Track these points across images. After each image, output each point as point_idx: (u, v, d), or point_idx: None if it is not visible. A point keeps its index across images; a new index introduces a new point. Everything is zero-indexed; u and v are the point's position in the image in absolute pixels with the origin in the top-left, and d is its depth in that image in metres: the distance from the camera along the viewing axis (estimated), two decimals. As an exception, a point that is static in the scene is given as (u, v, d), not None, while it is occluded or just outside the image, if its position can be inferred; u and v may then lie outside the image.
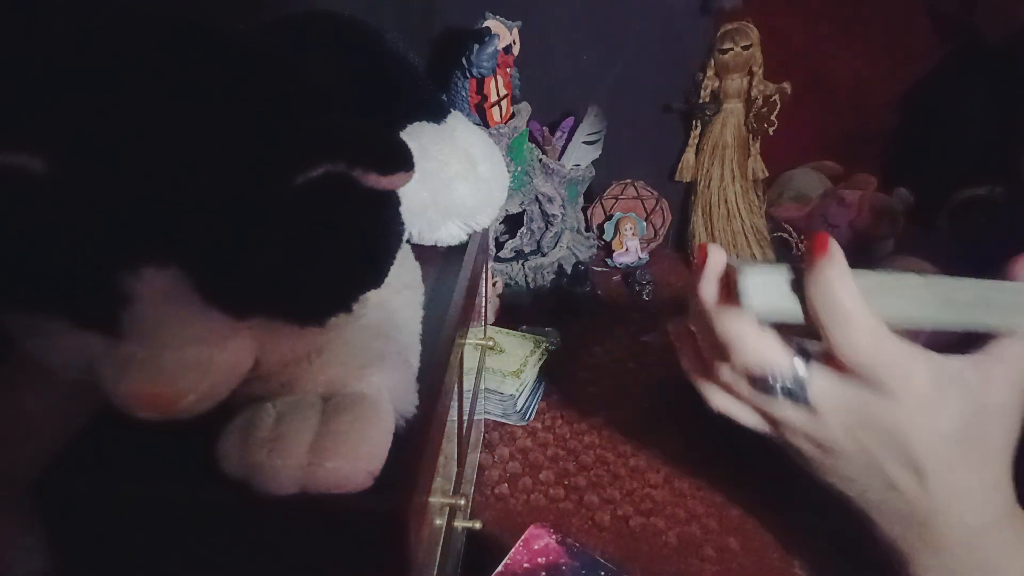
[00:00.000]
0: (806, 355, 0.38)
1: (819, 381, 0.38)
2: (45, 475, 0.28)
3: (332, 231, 0.27)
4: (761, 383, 0.39)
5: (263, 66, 0.28)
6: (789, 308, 0.38)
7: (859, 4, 0.95)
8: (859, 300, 0.36)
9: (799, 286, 0.37)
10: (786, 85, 0.88)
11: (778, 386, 0.38)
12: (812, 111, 0.95)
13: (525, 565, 0.43)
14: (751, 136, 0.92)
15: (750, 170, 0.94)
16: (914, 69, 0.97)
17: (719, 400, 0.43)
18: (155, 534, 0.29)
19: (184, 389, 0.26)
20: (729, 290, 0.39)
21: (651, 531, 0.53)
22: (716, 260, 0.40)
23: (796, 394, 0.38)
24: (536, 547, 0.44)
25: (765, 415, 0.41)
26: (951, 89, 0.96)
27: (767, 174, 0.95)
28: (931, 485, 0.38)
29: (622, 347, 0.77)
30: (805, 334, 0.38)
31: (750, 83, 0.90)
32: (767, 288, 0.38)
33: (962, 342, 0.39)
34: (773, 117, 0.89)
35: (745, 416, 0.42)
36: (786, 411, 0.39)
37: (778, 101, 0.88)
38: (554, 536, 0.45)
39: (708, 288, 0.40)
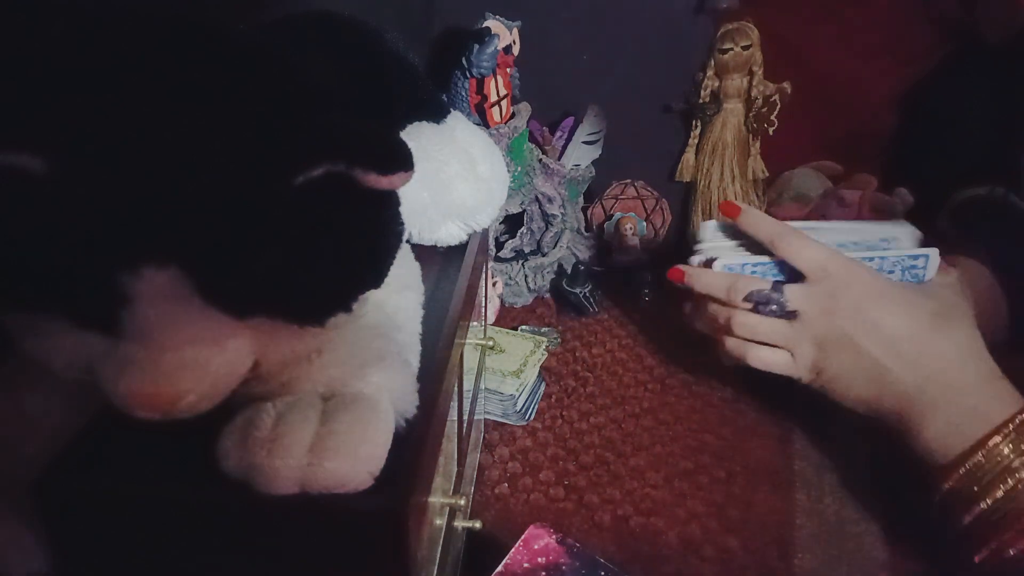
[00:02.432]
0: (778, 285, 0.54)
1: (791, 292, 0.53)
2: (45, 475, 0.28)
3: (332, 231, 0.27)
4: (756, 303, 0.54)
5: (263, 66, 0.28)
6: (748, 256, 0.57)
7: (859, 4, 0.94)
8: (786, 223, 0.55)
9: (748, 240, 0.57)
10: (786, 85, 0.88)
11: (767, 304, 0.54)
12: (812, 111, 0.94)
13: (525, 565, 0.43)
14: (751, 136, 0.92)
15: (750, 170, 0.94)
16: (914, 69, 0.97)
17: (751, 352, 0.56)
18: (155, 534, 0.29)
19: (184, 389, 0.26)
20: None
21: (651, 531, 0.53)
22: (694, 267, 0.59)
23: (781, 304, 0.53)
24: (536, 547, 0.44)
25: (779, 344, 0.55)
26: (951, 89, 0.96)
27: (767, 174, 0.94)
28: (906, 350, 0.50)
29: (622, 347, 0.77)
30: None
31: (750, 83, 0.90)
32: (719, 247, 0.59)
33: None
34: (773, 117, 0.89)
35: (772, 358, 0.56)
36: (780, 327, 0.54)
37: (778, 101, 0.88)
38: (554, 536, 0.45)
39: (699, 280, 0.58)
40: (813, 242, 0.52)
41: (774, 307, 0.53)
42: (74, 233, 0.24)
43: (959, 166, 0.95)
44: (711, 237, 0.61)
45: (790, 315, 0.53)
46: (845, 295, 0.51)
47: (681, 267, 0.59)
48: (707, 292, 0.57)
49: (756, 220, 0.55)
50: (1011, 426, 0.45)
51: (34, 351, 0.28)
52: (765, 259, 0.56)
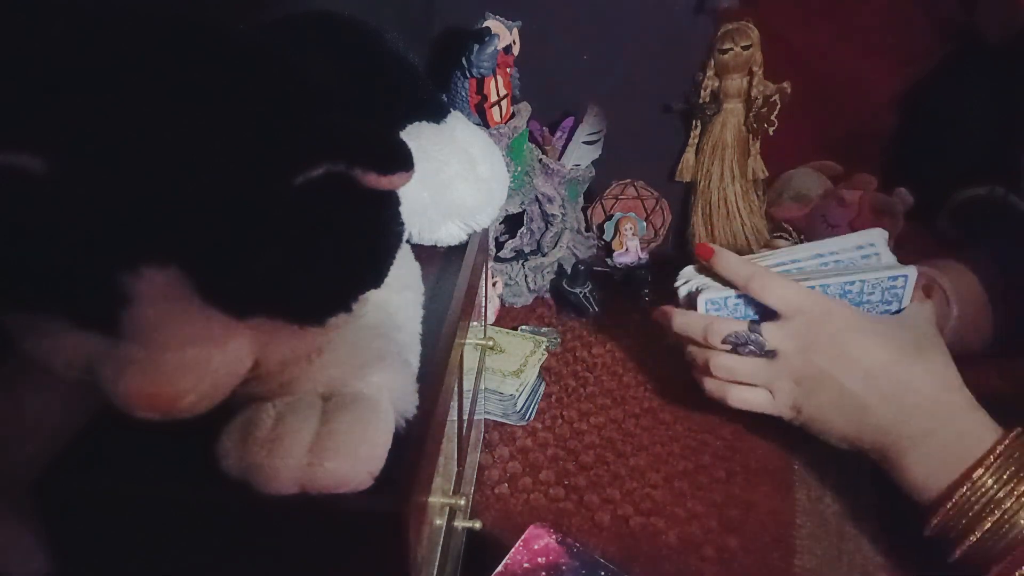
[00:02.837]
0: (754, 325, 0.55)
1: (768, 331, 0.54)
2: (45, 475, 0.28)
3: (332, 231, 0.27)
4: (734, 344, 0.55)
5: (263, 66, 0.28)
6: (724, 292, 0.57)
7: (859, 4, 0.95)
8: (758, 265, 0.56)
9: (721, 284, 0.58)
10: (786, 85, 0.88)
11: (744, 345, 0.54)
12: (812, 111, 0.94)
13: (525, 565, 0.43)
14: (751, 136, 0.92)
15: (750, 170, 0.94)
16: (914, 69, 0.97)
17: (732, 394, 0.57)
18: (155, 534, 0.29)
19: (184, 389, 0.26)
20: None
21: (651, 531, 0.53)
22: (670, 308, 0.61)
23: (759, 344, 0.54)
24: (536, 547, 0.44)
25: (755, 384, 0.56)
26: (951, 89, 0.96)
27: (767, 174, 0.94)
28: (883, 385, 0.50)
29: (622, 347, 0.77)
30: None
31: (750, 83, 0.90)
32: (704, 289, 0.59)
33: None
34: (773, 117, 0.89)
35: (753, 398, 0.56)
36: (759, 367, 0.55)
37: (778, 101, 0.88)
38: (554, 536, 0.45)
39: (676, 321, 0.59)
40: (786, 281, 0.53)
41: (752, 347, 0.54)
42: (74, 233, 0.24)
43: (959, 166, 0.95)
44: (695, 271, 0.61)
45: (769, 354, 0.54)
46: (821, 331, 0.52)
47: (660, 308, 0.61)
48: (685, 333, 0.58)
49: (728, 263, 0.56)
50: (992, 457, 0.45)
51: (34, 351, 0.28)
52: None
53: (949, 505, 0.45)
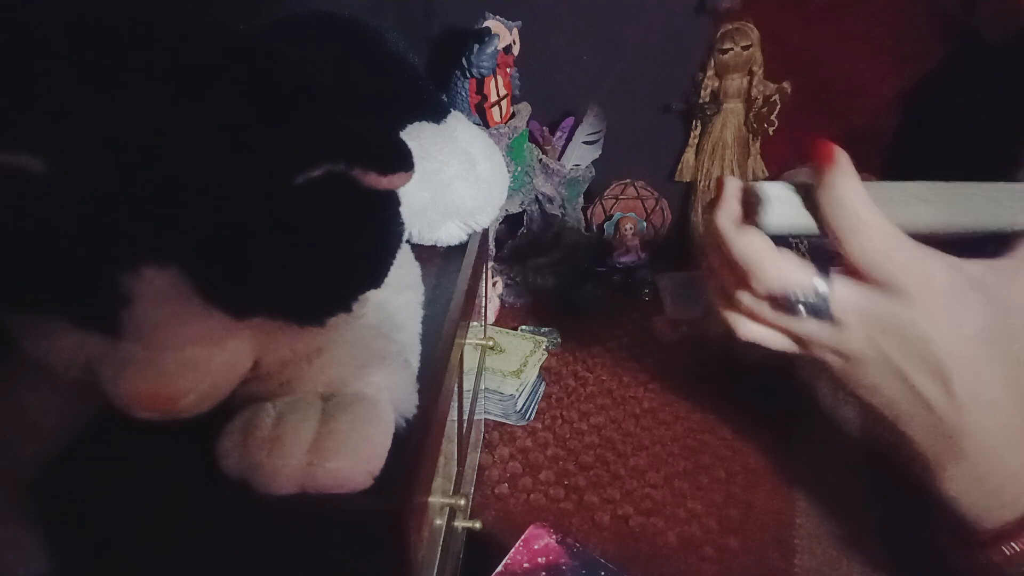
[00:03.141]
0: (825, 270, 0.38)
1: (840, 292, 0.38)
2: (45, 475, 0.28)
3: (332, 231, 0.27)
4: (784, 303, 0.39)
5: (263, 66, 0.28)
6: (804, 222, 0.39)
7: (859, 4, 0.95)
8: (871, 206, 0.37)
9: (812, 200, 0.39)
10: (786, 85, 0.88)
11: (801, 304, 0.38)
12: (812, 111, 0.94)
13: (525, 565, 0.43)
14: (751, 136, 0.92)
15: (750, 170, 0.94)
16: (914, 69, 0.97)
17: (744, 328, 0.42)
18: (155, 534, 0.29)
19: (184, 389, 0.26)
20: (747, 213, 0.40)
21: (651, 531, 0.53)
22: (733, 187, 0.41)
23: (819, 309, 0.38)
24: (536, 547, 0.44)
25: (790, 334, 0.41)
26: (951, 89, 0.96)
27: (767, 174, 0.94)
28: (956, 390, 0.38)
29: (622, 347, 0.77)
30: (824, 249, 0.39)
31: (750, 83, 0.90)
32: (783, 203, 0.39)
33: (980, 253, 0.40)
34: (773, 117, 0.89)
35: (771, 339, 0.42)
36: (810, 328, 0.39)
37: (778, 101, 0.88)
38: (554, 536, 0.45)
39: (726, 213, 0.40)
40: (881, 227, 0.37)
41: (805, 312, 0.39)
42: (74, 233, 0.24)
43: (959, 166, 0.95)
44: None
45: (827, 318, 0.39)
46: (906, 316, 0.38)
47: (719, 219, 0.41)
48: (736, 258, 0.40)
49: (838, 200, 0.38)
50: None
51: (34, 351, 0.28)
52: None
53: (1012, 552, 0.38)
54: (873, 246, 0.37)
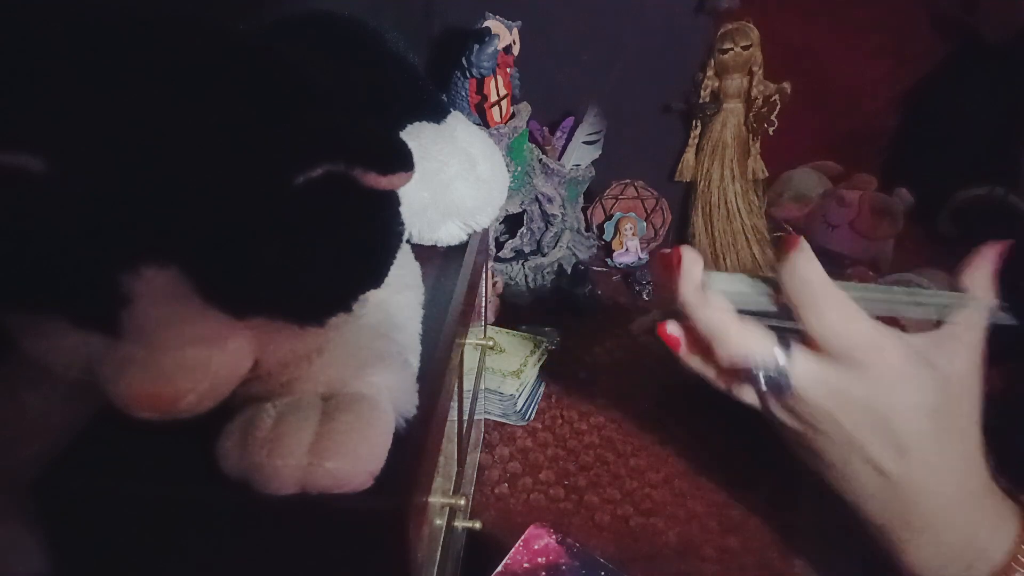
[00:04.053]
0: (786, 343, 0.40)
1: (800, 365, 0.39)
2: (45, 475, 0.28)
3: (332, 231, 0.27)
4: (745, 373, 0.40)
5: (263, 66, 0.28)
6: (759, 298, 0.41)
7: (859, 4, 0.95)
8: (829, 282, 0.38)
9: (768, 282, 0.41)
10: (786, 85, 0.88)
11: (761, 376, 0.40)
12: (812, 111, 0.95)
13: (525, 565, 0.43)
14: (751, 136, 0.92)
15: (750, 170, 0.94)
16: (914, 69, 0.97)
17: (718, 381, 0.44)
18: (155, 534, 0.29)
19: (184, 389, 0.26)
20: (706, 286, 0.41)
21: (651, 531, 0.53)
22: (691, 259, 0.42)
23: (779, 382, 0.39)
24: (536, 547, 0.44)
25: (758, 394, 0.42)
26: (951, 89, 0.96)
27: (767, 174, 0.94)
28: (913, 461, 0.39)
29: (622, 347, 0.77)
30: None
31: (750, 83, 0.90)
32: (735, 280, 0.42)
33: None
34: (773, 117, 0.89)
35: (742, 394, 0.43)
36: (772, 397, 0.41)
37: (778, 101, 0.88)
38: (554, 536, 0.45)
39: (689, 282, 0.41)
40: (838, 302, 0.38)
41: (770, 383, 0.40)
42: (74, 233, 0.24)
43: (959, 166, 0.95)
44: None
45: (786, 390, 0.40)
46: (864, 389, 0.39)
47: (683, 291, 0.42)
48: (700, 329, 0.41)
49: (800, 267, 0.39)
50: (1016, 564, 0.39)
51: (34, 351, 0.28)
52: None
53: None
54: (831, 318, 0.38)
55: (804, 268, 0.38)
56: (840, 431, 0.40)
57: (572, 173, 0.90)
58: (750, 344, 0.40)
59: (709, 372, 0.44)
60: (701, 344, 0.42)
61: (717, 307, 0.41)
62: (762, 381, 0.40)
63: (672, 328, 0.44)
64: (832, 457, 0.41)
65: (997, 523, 0.40)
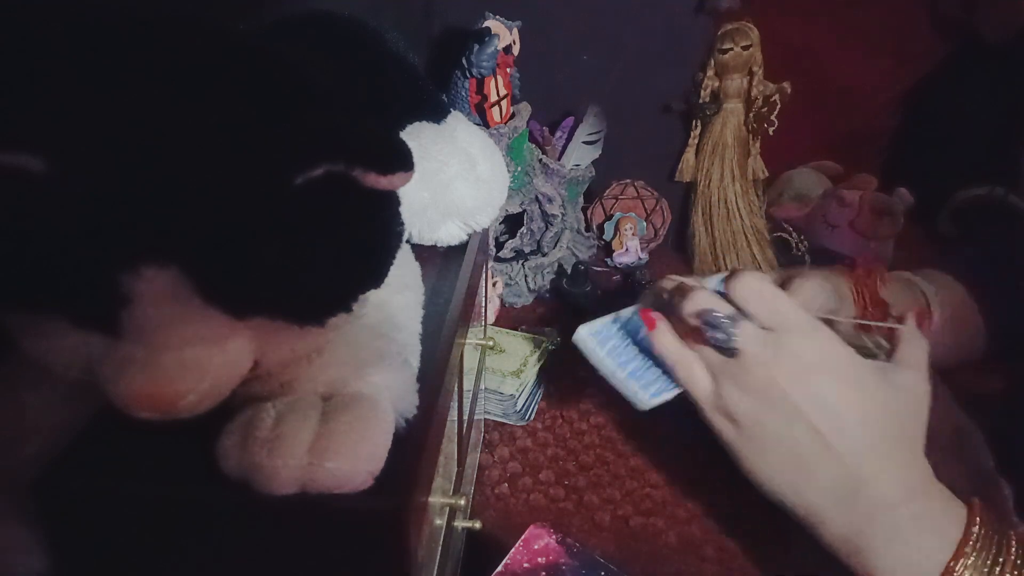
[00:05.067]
0: (736, 317, 0.45)
1: (746, 328, 0.44)
2: (45, 475, 0.28)
3: (332, 231, 0.27)
4: (704, 324, 0.44)
5: (263, 66, 0.28)
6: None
7: (859, 4, 0.95)
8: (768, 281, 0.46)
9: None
10: (786, 85, 0.88)
11: (718, 326, 0.44)
12: (812, 111, 0.94)
13: (525, 565, 0.43)
14: (751, 136, 0.92)
15: (750, 170, 0.94)
16: (914, 69, 0.97)
17: (676, 354, 0.47)
18: (155, 534, 0.29)
19: (184, 389, 0.26)
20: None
21: (651, 531, 0.53)
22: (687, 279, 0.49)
23: (727, 333, 0.44)
24: (536, 547, 0.44)
25: (710, 370, 0.45)
26: (951, 89, 0.96)
27: (767, 174, 0.94)
28: (854, 442, 0.42)
29: (622, 347, 0.77)
30: None
31: (750, 83, 0.90)
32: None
33: None
34: (773, 117, 0.89)
35: (693, 370, 0.46)
36: (720, 361, 0.45)
37: (778, 101, 0.88)
38: (554, 536, 0.45)
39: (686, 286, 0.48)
40: (784, 296, 0.45)
41: (719, 335, 0.44)
42: (74, 233, 0.24)
43: (959, 166, 0.95)
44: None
45: (730, 351, 0.44)
46: (797, 354, 0.43)
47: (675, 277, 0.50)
48: (672, 296, 0.48)
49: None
50: (969, 546, 0.39)
51: (34, 351, 0.28)
52: None
53: None
54: (777, 305, 0.44)
55: (746, 277, 0.45)
56: (779, 395, 0.43)
57: (572, 173, 0.90)
58: (714, 301, 0.45)
59: (671, 352, 0.47)
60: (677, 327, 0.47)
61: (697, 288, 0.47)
62: (715, 328, 0.44)
63: (653, 312, 0.48)
64: (769, 427, 0.43)
65: (949, 508, 0.42)
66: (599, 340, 0.52)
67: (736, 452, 0.45)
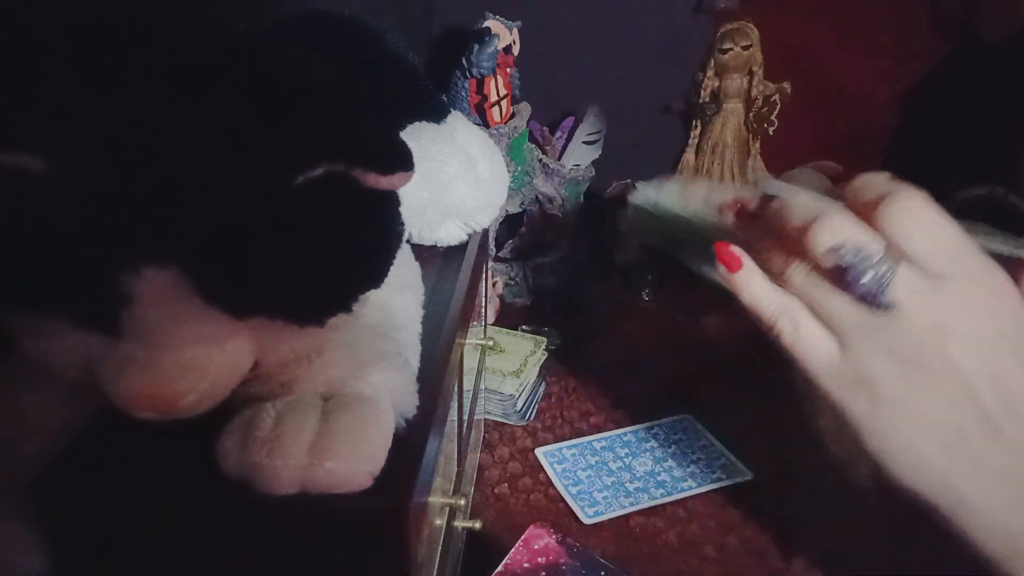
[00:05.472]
0: (892, 257, 0.33)
1: (907, 274, 0.32)
2: (45, 475, 0.28)
3: (332, 231, 0.27)
4: (845, 267, 0.33)
5: (263, 66, 0.28)
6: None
7: (859, 4, 0.95)
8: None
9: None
10: (786, 85, 0.88)
11: (867, 266, 0.32)
12: (812, 111, 0.95)
13: (525, 565, 0.43)
14: (751, 136, 0.92)
15: (750, 170, 0.94)
16: (914, 69, 0.97)
17: (779, 311, 0.36)
18: (155, 534, 0.29)
19: (184, 389, 0.26)
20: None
21: (651, 531, 0.53)
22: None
23: (883, 277, 0.32)
24: (536, 547, 0.44)
25: (837, 327, 0.34)
26: (951, 89, 0.96)
27: (767, 174, 0.94)
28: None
29: (622, 347, 0.77)
30: None
31: (750, 83, 0.90)
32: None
33: None
34: (773, 117, 0.89)
35: (807, 332, 0.35)
36: (855, 310, 0.33)
37: (778, 101, 0.88)
38: (554, 536, 0.45)
39: (793, 197, 0.37)
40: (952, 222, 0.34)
41: (870, 281, 0.32)
42: (74, 233, 0.24)
43: (959, 166, 0.95)
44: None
45: (880, 303, 0.32)
46: (973, 313, 0.33)
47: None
48: (785, 219, 0.36)
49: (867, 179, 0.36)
50: None
51: (34, 351, 0.28)
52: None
53: None
54: (942, 233, 0.33)
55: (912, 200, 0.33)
56: (944, 366, 0.33)
57: (572, 173, 0.90)
58: (856, 230, 0.33)
59: (770, 302, 0.36)
60: (776, 256, 0.36)
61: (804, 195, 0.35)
62: (860, 276, 0.32)
63: (735, 248, 0.37)
64: (925, 405, 0.33)
65: None
66: (552, 462, 0.59)
67: (868, 430, 0.35)
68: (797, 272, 0.35)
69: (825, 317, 0.34)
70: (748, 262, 0.36)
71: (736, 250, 0.37)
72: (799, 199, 0.36)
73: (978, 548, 0.34)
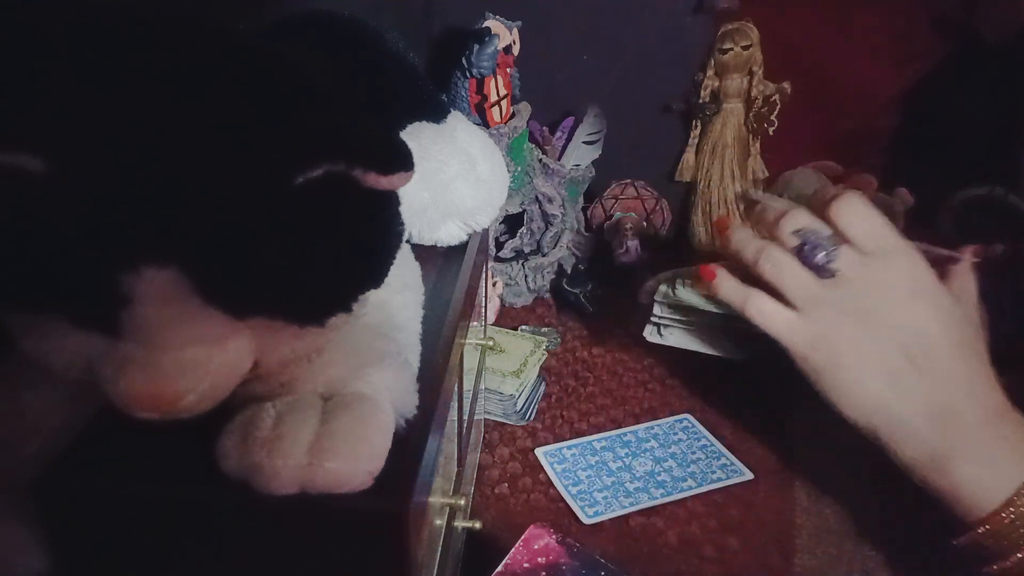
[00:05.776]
0: (837, 238, 0.46)
1: (848, 251, 0.45)
2: (45, 475, 0.28)
3: (332, 231, 0.27)
4: (803, 244, 0.46)
5: (263, 66, 0.28)
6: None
7: (859, 4, 0.95)
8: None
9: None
10: (786, 85, 0.88)
11: (819, 245, 0.45)
12: (812, 111, 0.94)
13: (525, 565, 0.43)
14: (751, 136, 0.92)
15: (750, 170, 0.94)
16: (914, 69, 0.97)
17: (744, 295, 0.49)
18: (155, 534, 0.29)
19: (184, 389, 0.26)
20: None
21: (651, 531, 0.53)
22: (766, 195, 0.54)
23: (829, 253, 0.45)
24: (536, 547, 0.44)
25: (787, 300, 0.47)
26: (951, 89, 0.96)
27: (767, 174, 0.94)
28: (939, 363, 0.44)
29: (622, 347, 0.77)
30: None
31: (750, 83, 0.90)
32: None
33: None
34: (773, 117, 0.89)
35: (766, 305, 0.48)
36: (808, 281, 0.46)
37: (778, 101, 0.88)
38: (554, 536, 0.45)
39: (767, 202, 0.51)
40: (881, 216, 0.46)
41: (820, 256, 0.45)
42: (74, 233, 0.24)
43: (959, 166, 0.95)
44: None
45: (827, 273, 0.45)
46: (895, 278, 0.45)
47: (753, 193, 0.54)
48: (763, 215, 0.49)
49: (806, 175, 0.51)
50: None
51: (34, 351, 0.28)
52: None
53: (1005, 518, 0.41)
54: (871, 226, 0.46)
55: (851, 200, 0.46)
56: (875, 319, 0.45)
57: (572, 173, 0.90)
58: (815, 222, 0.46)
59: (738, 294, 0.49)
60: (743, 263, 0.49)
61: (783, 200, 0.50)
62: (815, 251, 0.45)
63: (711, 264, 0.51)
64: (862, 348, 0.45)
65: (1015, 445, 0.43)
66: (552, 462, 0.60)
67: (823, 376, 0.46)
68: (770, 249, 0.48)
69: (790, 290, 0.47)
70: (720, 272, 0.50)
71: (711, 265, 0.50)
72: (774, 203, 0.50)
73: (905, 464, 0.45)
